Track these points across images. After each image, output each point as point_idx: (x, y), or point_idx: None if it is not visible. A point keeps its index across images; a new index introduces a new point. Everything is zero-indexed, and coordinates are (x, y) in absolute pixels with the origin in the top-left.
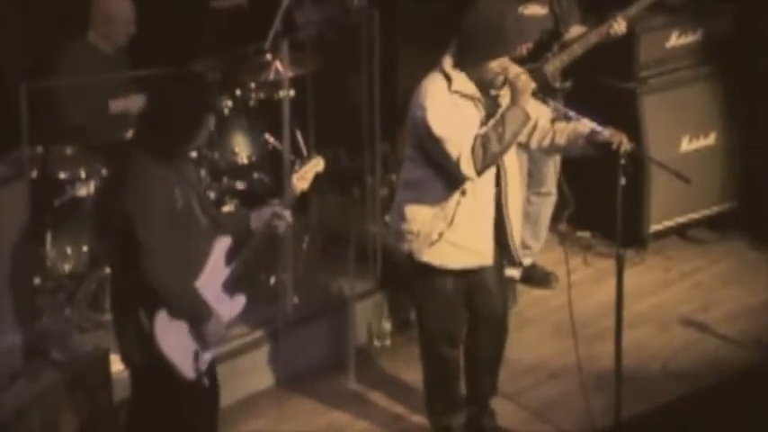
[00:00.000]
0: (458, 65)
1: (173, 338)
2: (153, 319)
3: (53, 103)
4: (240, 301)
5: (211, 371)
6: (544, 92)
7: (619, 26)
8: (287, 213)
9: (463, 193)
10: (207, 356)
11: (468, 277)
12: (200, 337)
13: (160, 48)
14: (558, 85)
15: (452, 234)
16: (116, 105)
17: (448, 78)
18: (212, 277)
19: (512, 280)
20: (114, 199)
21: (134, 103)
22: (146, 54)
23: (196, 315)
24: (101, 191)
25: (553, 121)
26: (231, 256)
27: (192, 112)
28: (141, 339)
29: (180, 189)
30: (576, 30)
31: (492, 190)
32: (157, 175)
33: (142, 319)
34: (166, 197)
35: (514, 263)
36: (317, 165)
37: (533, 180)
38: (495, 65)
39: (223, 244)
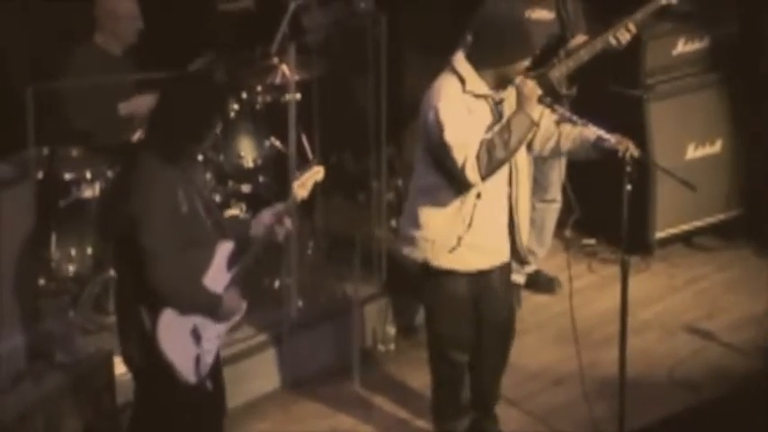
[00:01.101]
0: (472, 60)
1: (175, 342)
2: (156, 322)
3: (60, 105)
4: (242, 306)
5: (215, 375)
6: (550, 98)
7: (622, 35)
8: (287, 221)
9: (479, 195)
10: (209, 360)
11: (479, 280)
12: (218, 319)
13: (167, 50)
14: (564, 91)
15: (471, 237)
16: (125, 107)
17: (461, 79)
18: (214, 281)
19: (516, 285)
20: (118, 200)
21: (142, 103)
22: (153, 57)
23: (205, 311)
24: (106, 192)
25: (558, 122)
26: (233, 260)
27: (201, 114)
28: (144, 341)
29: (184, 192)
30: (580, 38)
31: (505, 189)
32: (162, 177)
33: (145, 322)
34: (170, 200)
35: (521, 261)
36: (316, 173)
37: (538, 187)
38: (521, 66)
39: (225, 248)
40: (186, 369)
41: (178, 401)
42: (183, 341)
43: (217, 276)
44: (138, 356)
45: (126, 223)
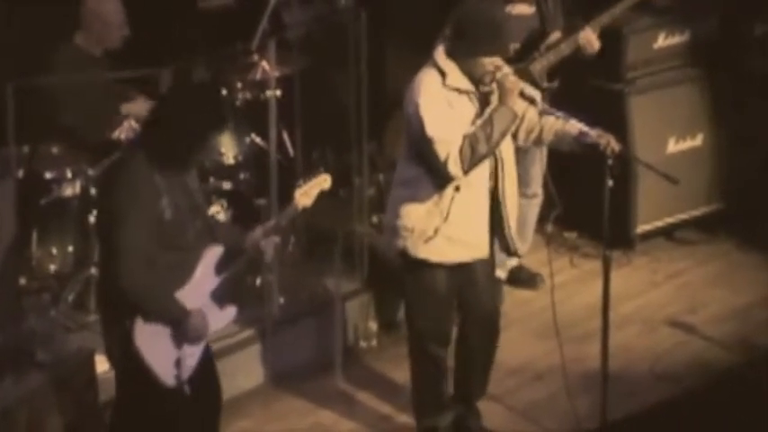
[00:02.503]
0: (451, 55)
1: (153, 343)
2: (133, 323)
3: (40, 103)
4: (231, 311)
5: (203, 375)
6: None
7: (590, 34)
8: (274, 239)
9: (457, 188)
10: (191, 363)
11: (460, 274)
12: (183, 336)
13: (147, 48)
14: (544, 85)
15: (448, 229)
16: (127, 108)
17: (442, 73)
18: (201, 285)
19: (498, 280)
20: (102, 196)
21: (142, 107)
22: (132, 54)
23: (168, 320)
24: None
25: (541, 113)
26: (222, 266)
27: (199, 129)
28: (123, 342)
29: (169, 198)
30: (556, 35)
31: (486, 182)
32: (148, 181)
33: (125, 321)
34: (152, 205)
35: (510, 252)
36: (323, 182)
37: (520, 181)
38: (489, 62)
39: (214, 253)
40: (165, 372)
41: (157, 401)
42: (161, 344)
43: (204, 280)
44: (118, 356)
45: (106, 219)
